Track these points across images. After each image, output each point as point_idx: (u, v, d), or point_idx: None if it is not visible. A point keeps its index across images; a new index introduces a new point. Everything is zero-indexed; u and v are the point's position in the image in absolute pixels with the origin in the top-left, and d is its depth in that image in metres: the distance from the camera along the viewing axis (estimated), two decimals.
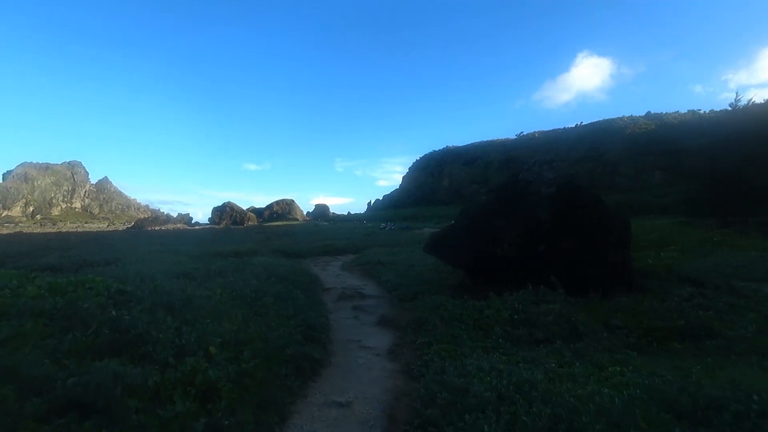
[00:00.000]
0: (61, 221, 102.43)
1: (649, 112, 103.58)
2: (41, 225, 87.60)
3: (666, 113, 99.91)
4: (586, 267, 7.12)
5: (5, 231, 50.20)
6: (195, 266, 9.81)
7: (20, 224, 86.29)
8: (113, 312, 4.03)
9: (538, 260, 7.15)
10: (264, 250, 16.86)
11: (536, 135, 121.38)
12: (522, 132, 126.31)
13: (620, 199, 41.72)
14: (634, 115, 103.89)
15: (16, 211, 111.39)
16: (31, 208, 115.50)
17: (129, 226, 79.67)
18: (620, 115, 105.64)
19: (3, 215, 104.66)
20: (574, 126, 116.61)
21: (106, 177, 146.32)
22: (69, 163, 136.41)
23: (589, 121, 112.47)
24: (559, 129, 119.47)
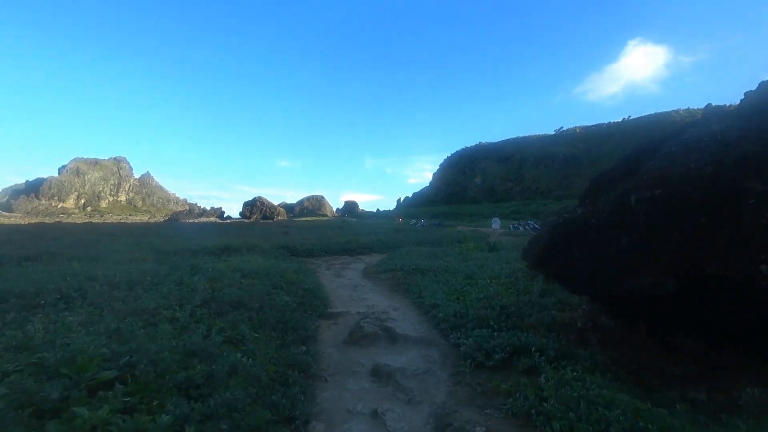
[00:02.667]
0: (108, 213, 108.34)
1: (709, 104, 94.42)
2: (90, 216, 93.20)
3: (730, 105, 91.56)
4: None
5: (24, 221, 50.92)
6: (107, 272, 6.00)
7: (72, 215, 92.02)
8: None
9: None
10: (266, 245, 13.05)
11: (577, 130, 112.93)
12: (561, 127, 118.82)
13: None
14: (691, 107, 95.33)
15: (69, 203, 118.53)
16: (83, 201, 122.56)
17: (166, 218, 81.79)
18: (675, 108, 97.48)
19: (59, 207, 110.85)
20: (621, 120, 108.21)
21: (148, 172, 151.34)
22: (115, 158, 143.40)
23: (638, 115, 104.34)
24: (604, 124, 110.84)
